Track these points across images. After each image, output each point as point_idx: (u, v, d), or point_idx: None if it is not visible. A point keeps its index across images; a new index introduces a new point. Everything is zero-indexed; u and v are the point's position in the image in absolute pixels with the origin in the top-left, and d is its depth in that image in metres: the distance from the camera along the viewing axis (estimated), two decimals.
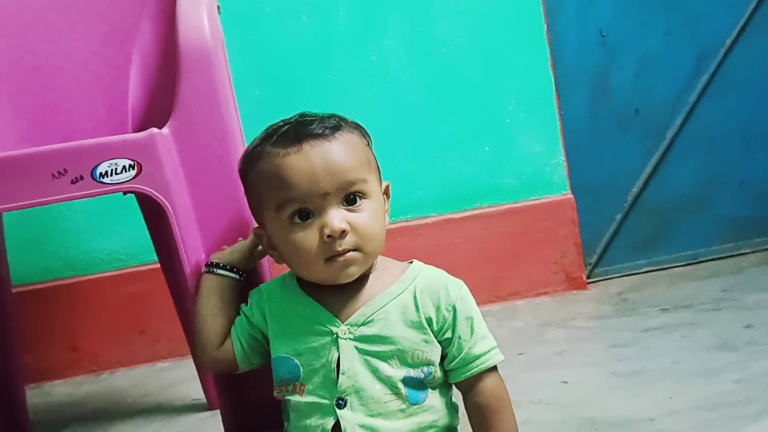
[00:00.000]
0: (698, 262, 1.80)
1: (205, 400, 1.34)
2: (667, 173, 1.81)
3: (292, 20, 1.67)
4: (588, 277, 1.77)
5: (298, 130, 0.76)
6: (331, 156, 0.74)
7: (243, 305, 0.84)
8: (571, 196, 1.73)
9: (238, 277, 0.84)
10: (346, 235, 0.74)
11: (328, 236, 0.73)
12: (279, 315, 0.80)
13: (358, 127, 0.80)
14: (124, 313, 1.67)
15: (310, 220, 0.75)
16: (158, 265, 1.38)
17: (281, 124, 0.79)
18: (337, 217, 0.74)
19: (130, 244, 1.68)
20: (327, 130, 0.76)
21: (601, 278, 1.79)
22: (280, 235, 0.77)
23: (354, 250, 0.75)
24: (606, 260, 1.81)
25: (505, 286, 1.72)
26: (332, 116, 0.79)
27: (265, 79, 1.67)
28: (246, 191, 0.81)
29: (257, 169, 0.77)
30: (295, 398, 0.77)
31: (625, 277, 1.78)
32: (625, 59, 1.78)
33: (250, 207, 0.81)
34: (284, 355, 0.78)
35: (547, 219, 1.73)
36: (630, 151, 1.80)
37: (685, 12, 1.78)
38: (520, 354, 1.36)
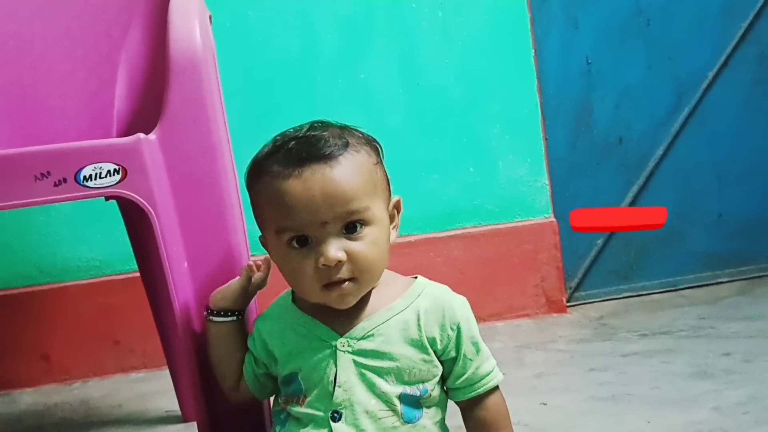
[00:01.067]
0: (676, 290, 1.81)
1: (179, 413, 1.31)
2: (646, 204, 1.83)
3: (281, 36, 1.67)
4: (568, 301, 1.78)
5: (303, 150, 0.73)
6: (332, 184, 0.72)
7: (249, 337, 0.84)
8: (554, 219, 1.74)
9: (235, 319, 0.84)
10: (342, 265, 0.73)
11: (323, 265, 0.72)
12: (279, 338, 0.80)
13: (368, 143, 0.77)
14: (98, 322, 1.64)
15: (308, 246, 0.73)
16: (135, 275, 1.36)
17: (291, 135, 0.76)
18: (333, 247, 0.72)
19: (107, 253, 1.65)
20: (333, 151, 0.73)
21: (581, 302, 1.80)
22: (279, 256, 0.77)
23: (350, 279, 0.74)
24: (586, 285, 1.82)
25: (485, 307, 1.72)
26: (343, 131, 0.76)
27: (251, 92, 1.66)
28: (250, 200, 0.79)
29: (259, 186, 0.76)
30: (296, 408, 0.77)
31: (605, 302, 1.79)
32: (607, 90, 1.80)
33: (254, 215, 0.79)
34: (288, 372, 0.79)
35: (529, 242, 1.73)
36: (611, 178, 1.82)
37: (667, 47, 1.80)
38: None
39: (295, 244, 0.74)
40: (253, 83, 1.67)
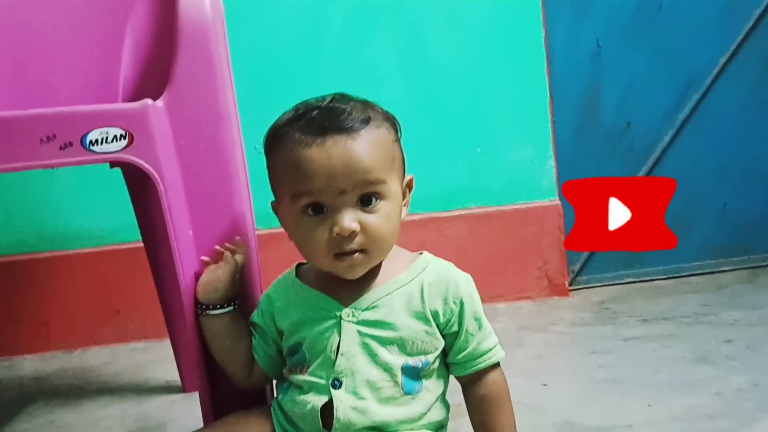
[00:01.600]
0: (679, 277, 1.81)
1: (178, 383, 1.32)
2: None
3: (289, 13, 1.66)
4: (570, 285, 1.77)
5: (326, 121, 0.73)
6: (352, 155, 0.72)
7: (253, 317, 0.84)
8: (559, 202, 1.74)
9: (232, 308, 0.83)
10: (355, 235, 0.73)
11: (337, 234, 0.73)
12: (285, 312, 0.80)
13: (388, 119, 0.77)
14: (100, 291, 1.64)
15: (323, 214, 0.74)
16: (137, 244, 1.35)
17: (313, 104, 0.76)
18: (348, 217, 0.73)
19: (110, 222, 1.65)
20: (355, 124, 0.73)
21: (583, 286, 1.80)
22: (292, 222, 0.77)
23: (361, 251, 0.74)
24: (589, 269, 1.81)
25: (487, 288, 1.71)
26: (365, 106, 0.76)
27: (258, 72, 1.65)
28: (267, 165, 0.79)
29: (279, 152, 0.76)
30: (298, 377, 0.78)
31: (607, 287, 1.79)
32: (616, 75, 1.78)
33: (270, 181, 0.79)
34: (294, 342, 0.79)
35: (533, 224, 1.73)
36: (617, 163, 1.81)
37: (677, 35, 1.79)
38: None
39: (310, 211, 0.74)
40: (261, 60, 1.65)
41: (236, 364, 0.83)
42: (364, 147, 0.73)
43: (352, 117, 0.73)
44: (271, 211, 0.81)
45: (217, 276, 0.82)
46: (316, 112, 0.74)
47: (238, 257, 0.84)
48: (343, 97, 0.77)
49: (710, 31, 1.79)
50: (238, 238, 0.86)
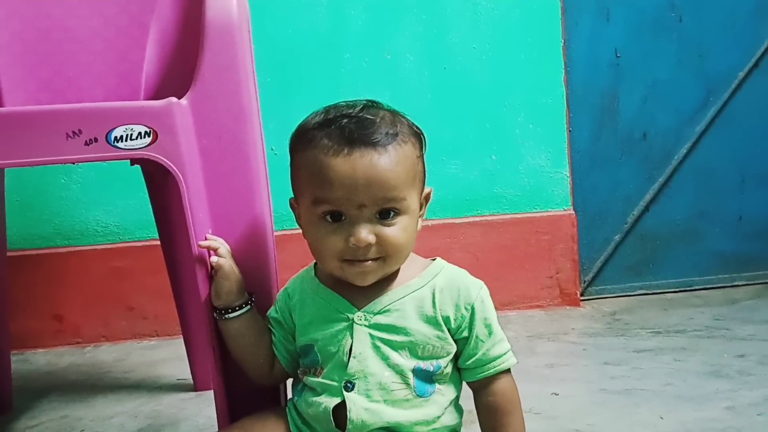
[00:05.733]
0: (691, 290, 1.81)
1: (190, 381, 1.32)
2: (667, 201, 1.82)
3: (309, 11, 1.67)
4: (582, 295, 1.77)
5: (355, 132, 0.73)
6: (377, 171, 0.73)
7: (271, 313, 0.84)
8: (573, 212, 1.73)
9: (249, 308, 0.83)
10: (371, 247, 0.74)
11: (353, 245, 0.74)
12: (301, 307, 0.81)
13: (415, 135, 0.78)
14: (113, 288, 1.65)
15: (341, 222, 0.75)
16: (151, 242, 1.37)
17: (344, 111, 0.76)
18: (365, 229, 0.74)
19: (126, 219, 1.66)
20: (383, 139, 0.74)
21: (595, 297, 1.79)
22: (309, 224, 0.77)
23: (374, 259, 0.75)
24: (601, 279, 1.81)
25: (499, 295, 1.69)
26: (394, 118, 0.77)
27: (278, 66, 1.66)
28: (291, 163, 0.79)
29: (304, 154, 0.76)
30: (312, 379, 0.79)
31: (619, 298, 1.78)
32: (635, 84, 1.78)
33: (291, 179, 0.80)
34: (305, 342, 0.80)
35: (546, 232, 1.73)
36: (632, 173, 1.80)
37: (698, 44, 1.78)
38: None
39: (328, 218, 0.75)
40: (282, 54, 1.66)
41: (257, 362, 0.84)
42: (388, 163, 0.74)
43: (381, 131, 0.74)
44: (289, 209, 0.82)
45: (227, 277, 0.82)
46: (345, 120, 0.75)
47: (222, 260, 0.82)
48: (373, 106, 0.77)
49: (731, 43, 1.79)
50: (206, 237, 0.84)
